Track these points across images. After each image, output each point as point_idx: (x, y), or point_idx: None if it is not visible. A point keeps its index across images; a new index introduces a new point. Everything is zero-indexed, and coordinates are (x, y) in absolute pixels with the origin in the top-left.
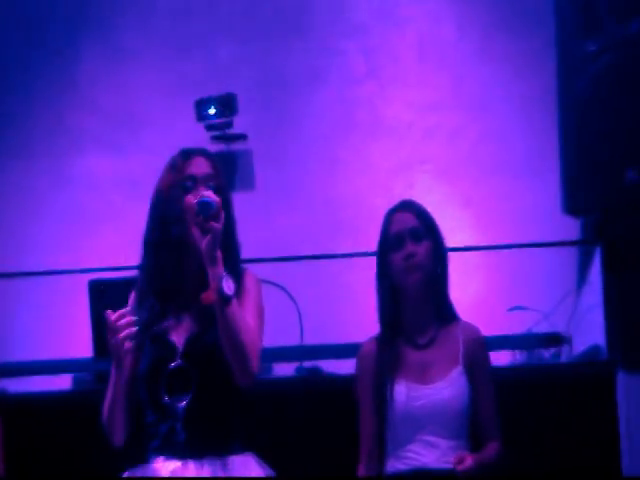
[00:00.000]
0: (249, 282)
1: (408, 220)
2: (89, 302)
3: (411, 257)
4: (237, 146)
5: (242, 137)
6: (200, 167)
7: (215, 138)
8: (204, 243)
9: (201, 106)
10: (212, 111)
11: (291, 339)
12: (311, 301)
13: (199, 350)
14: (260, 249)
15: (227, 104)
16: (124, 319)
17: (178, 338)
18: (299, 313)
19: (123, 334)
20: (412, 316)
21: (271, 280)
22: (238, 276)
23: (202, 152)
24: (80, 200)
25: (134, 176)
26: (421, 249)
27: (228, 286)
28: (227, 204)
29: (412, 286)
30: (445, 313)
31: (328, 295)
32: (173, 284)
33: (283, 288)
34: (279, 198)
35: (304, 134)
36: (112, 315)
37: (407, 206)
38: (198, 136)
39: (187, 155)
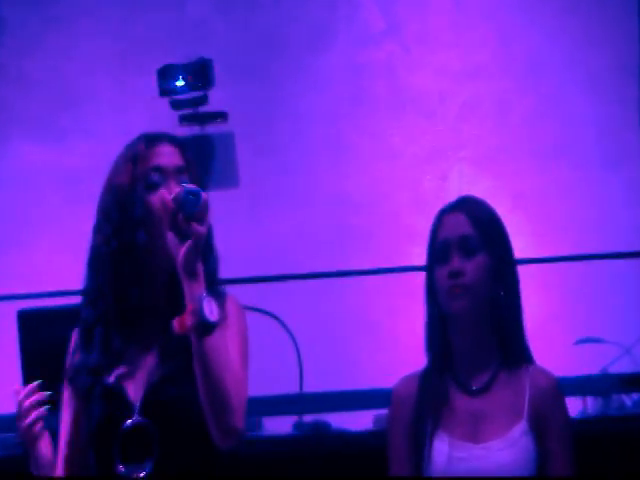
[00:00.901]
0: (231, 310)
1: (459, 225)
2: (18, 338)
3: (456, 276)
4: (214, 129)
5: (221, 116)
6: (169, 157)
7: (185, 119)
8: (182, 252)
9: (165, 76)
10: (180, 83)
11: (287, 385)
12: (312, 334)
13: (163, 401)
14: (244, 265)
15: (200, 73)
16: (30, 398)
17: (135, 386)
18: (297, 350)
19: (29, 419)
20: (463, 351)
21: (258, 306)
22: (218, 301)
23: (169, 138)
24: (6, 201)
25: (77, 170)
26: (470, 266)
27: (211, 310)
28: None
29: (456, 314)
30: (512, 352)
31: (335, 326)
32: (136, 308)
33: (275, 317)
34: (270, 197)
35: (303, 112)
36: (20, 392)
37: (461, 205)
38: (161, 116)
39: (151, 141)
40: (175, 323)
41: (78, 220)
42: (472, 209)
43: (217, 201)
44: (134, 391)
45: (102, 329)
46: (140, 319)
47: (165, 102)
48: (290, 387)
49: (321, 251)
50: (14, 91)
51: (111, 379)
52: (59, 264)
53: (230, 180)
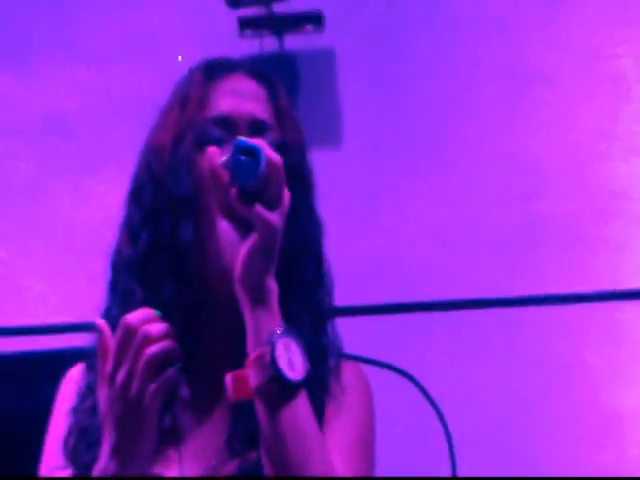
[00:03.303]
0: (350, 381)
1: None
2: None
3: None
4: (299, 43)
5: (311, 21)
6: (243, 101)
7: (248, 25)
8: (241, 255)
9: None
10: None
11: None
12: (465, 400)
13: None
14: (350, 284)
15: None
16: (156, 325)
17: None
18: (445, 428)
19: (165, 347)
20: None
21: (376, 357)
22: (326, 357)
23: (250, 68)
24: None
25: (54, 113)
26: None
27: (290, 360)
28: (304, 184)
29: None
30: None
31: (503, 386)
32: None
33: (407, 375)
34: (394, 163)
35: (454, 17)
36: (127, 318)
37: None
38: (208, 21)
39: (214, 70)
40: (229, 382)
41: (54, 201)
42: None
43: None
44: None
45: None
46: (189, 372)
47: None
48: None
49: (483, 261)
50: None
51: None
52: (19, 278)
53: (327, 132)
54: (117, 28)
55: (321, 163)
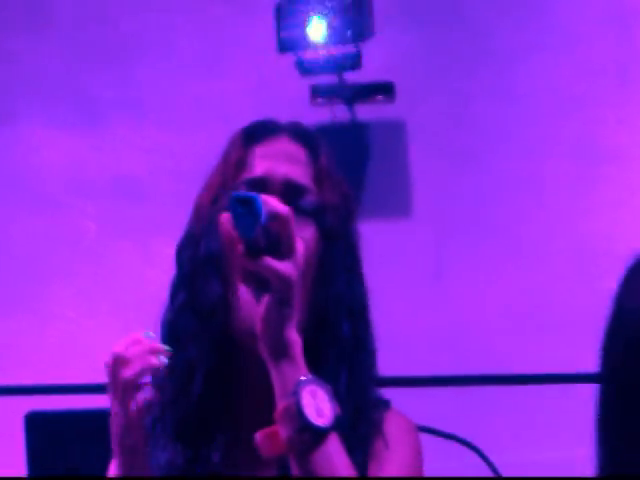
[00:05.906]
0: (395, 434)
1: None
2: (25, 443)
3: None
4: (371, 113)
5: (383, 91)
6: (278, 163)
7: (321, 93)
8: (260, 314)
9: (288, 15)
10: (318, 28)
11: None
12: (526, 472)
13: None
14: (416, 354)
15: (351, 12)
16: (140, 345)
17: None
18: None
19: (136, 366)
20: None
21: (442, 429)
22: (366, 413)
23: (291, 130)
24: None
25: (133, 183)
26: None
27: (317, 406)
28: (342, 245)
29: None
30: None
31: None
32: (208, 405)
33: (473, 447)
34: (464, 235)
35: (529, 85)
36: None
37: None
38: (280, 88)
39: (259, 133)
40: (259, 440)
41: (122, 261)
42: None
43: (372, 238)
44: None
45: (170, 439)
46: (225, 431)
47: (288, 63)
48: None
49: (548, 338)
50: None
51: None
52: (86, 337)
53: (396, 202)
54: (189, 91)
55: (390, 232)
